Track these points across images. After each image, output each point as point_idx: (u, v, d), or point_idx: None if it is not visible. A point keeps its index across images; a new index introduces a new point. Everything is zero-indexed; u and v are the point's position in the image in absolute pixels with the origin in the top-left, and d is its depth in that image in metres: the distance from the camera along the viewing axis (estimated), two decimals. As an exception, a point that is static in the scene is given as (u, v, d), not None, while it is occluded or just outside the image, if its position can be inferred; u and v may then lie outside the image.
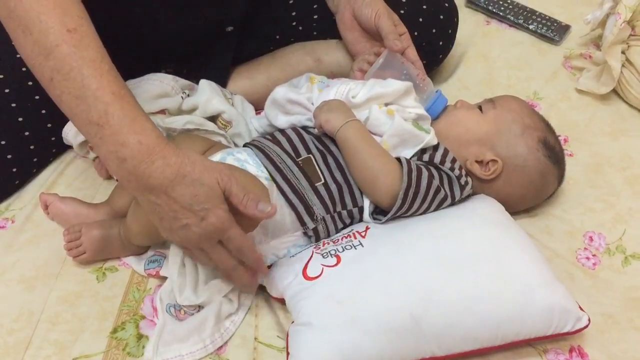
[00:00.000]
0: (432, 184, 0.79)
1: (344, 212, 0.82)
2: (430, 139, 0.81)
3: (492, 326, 0.72)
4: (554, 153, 0.87)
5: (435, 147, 0.83)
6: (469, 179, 0.83)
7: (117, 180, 0.92)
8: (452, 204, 0.83)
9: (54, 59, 0.65)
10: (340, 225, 0.82)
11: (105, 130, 0.65)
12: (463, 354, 0.73)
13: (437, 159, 0.82)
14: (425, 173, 0.78)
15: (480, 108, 0.89)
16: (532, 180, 0.86)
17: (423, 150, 0.82)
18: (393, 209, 0.78)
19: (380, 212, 0.82)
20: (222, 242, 0.71)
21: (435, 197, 0.80)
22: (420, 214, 0.81)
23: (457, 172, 0.82)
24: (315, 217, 0.80)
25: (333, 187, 0.81)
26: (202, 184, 0.67)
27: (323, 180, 0.81)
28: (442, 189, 0.80)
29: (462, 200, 0.84)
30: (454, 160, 0.82)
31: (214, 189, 0.67)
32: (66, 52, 0.64)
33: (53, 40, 0.64)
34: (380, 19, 0.91)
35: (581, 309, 0.75)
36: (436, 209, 0.81)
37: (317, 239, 0.82)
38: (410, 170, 0.77)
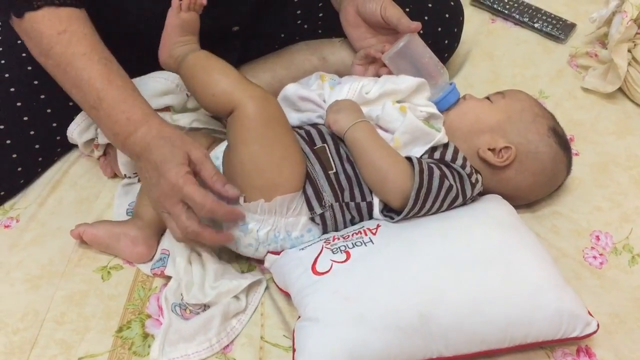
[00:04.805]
0: (443, 183, 0.78)
1: (352, 204, 0.81)
2: (441, 136, 0.81)
3: (500, 328, 0.71)
4: (563, 140, 0.88)
5: (446, 145, 0.83)
6: (479, 177, 0.83)
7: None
8: (464, 203, 0.82)
9: (52, 58, 0.77)
10: (348, 217, 0.82)
11: (100, 112, 0.76)
12: (470, 355, 0.72)
13: (449, 156, 0.82)
14: (437, 172, 0.78)
15: (489, 100, 0.90)
16: (544, 167, 0.86)
17: (434, 148, 0.82)
18: (405, 210, 0.78)
19: (391, 210, 0.81)
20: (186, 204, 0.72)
21: (447, 196, 0.79)
22: (432, 214, 0.80)
23: (467, 169, 0.81)
24: (323, 203, 0.80)
25: (342, 177, 0.81)
26: (172, 145, 0.73)
27: (335, 170, 0.81)
28: (453, 186, 0.79)
29: (473, 200, 0.84)
30: (464, 159, 0.82)
31: (179, 150, 0.73)
32: (59, 51, 0.76)
33: (47, 43, 0.76)
34: (387, 10, 0.91)
35: (590, 314, 0.74)
36: (448, 208, 0.81)
37: (325, 229, 0.81)
38: (421, 171, 0.77)
